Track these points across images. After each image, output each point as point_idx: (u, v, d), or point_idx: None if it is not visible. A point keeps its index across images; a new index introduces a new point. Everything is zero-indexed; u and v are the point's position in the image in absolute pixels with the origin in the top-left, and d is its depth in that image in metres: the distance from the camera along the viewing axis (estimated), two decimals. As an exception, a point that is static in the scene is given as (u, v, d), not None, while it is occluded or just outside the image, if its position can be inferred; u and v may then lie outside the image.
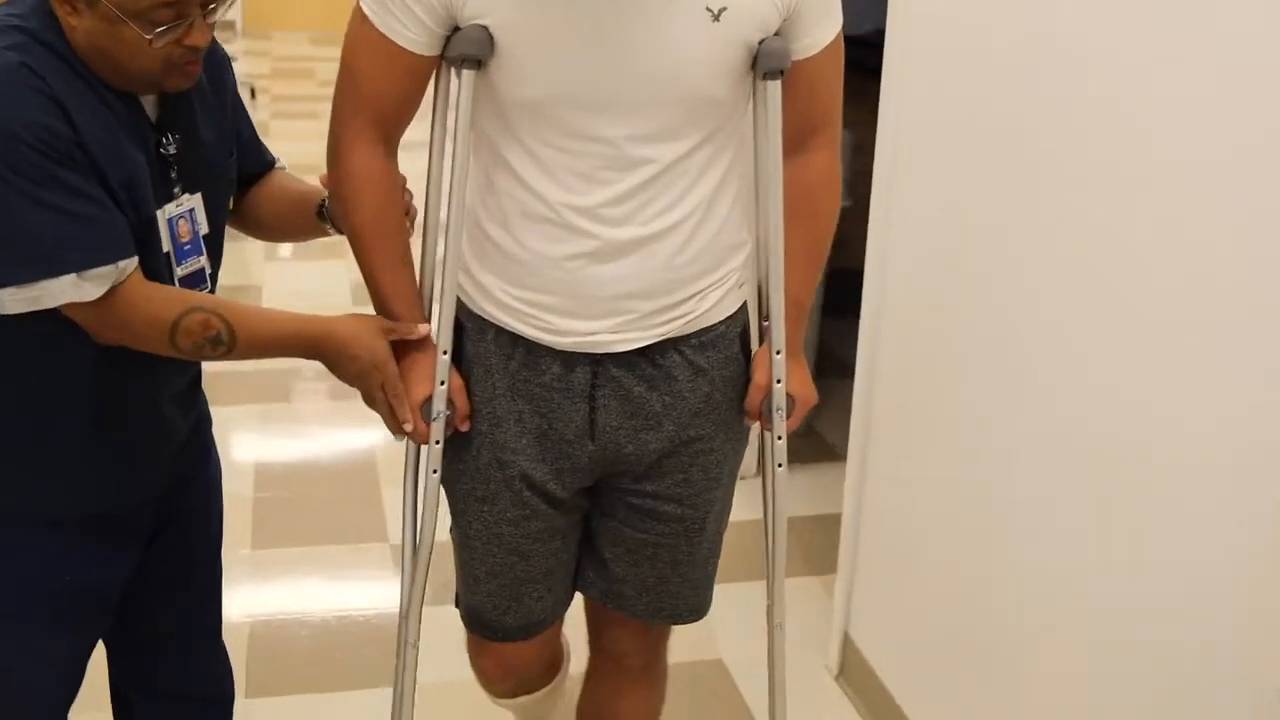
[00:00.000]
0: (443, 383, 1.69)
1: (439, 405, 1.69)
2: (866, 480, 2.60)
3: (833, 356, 3.83)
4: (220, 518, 1.91)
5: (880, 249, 2.48)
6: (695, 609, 1.88)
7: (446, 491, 1.79)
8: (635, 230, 1.61)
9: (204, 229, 1.67)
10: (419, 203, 1.73)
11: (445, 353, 1.69)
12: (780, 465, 1.81)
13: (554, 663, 1.99)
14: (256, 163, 1.84)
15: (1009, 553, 2.10)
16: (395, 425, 1.69)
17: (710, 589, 1.89)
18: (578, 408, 1.70)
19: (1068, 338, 1.92)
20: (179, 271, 1.64)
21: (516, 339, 1.68)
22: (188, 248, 1.65)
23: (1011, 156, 2.05)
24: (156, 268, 1.59)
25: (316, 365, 1.68)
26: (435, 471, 1.73)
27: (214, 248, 1.71)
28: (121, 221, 1.51)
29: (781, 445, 1.79)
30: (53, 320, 1.53)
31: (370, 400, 1.69)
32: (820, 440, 3.75)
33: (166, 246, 1.61)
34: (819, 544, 3.21)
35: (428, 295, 1.73)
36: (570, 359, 1.68)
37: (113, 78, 1.51)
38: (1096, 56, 1.83)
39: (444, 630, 2.05)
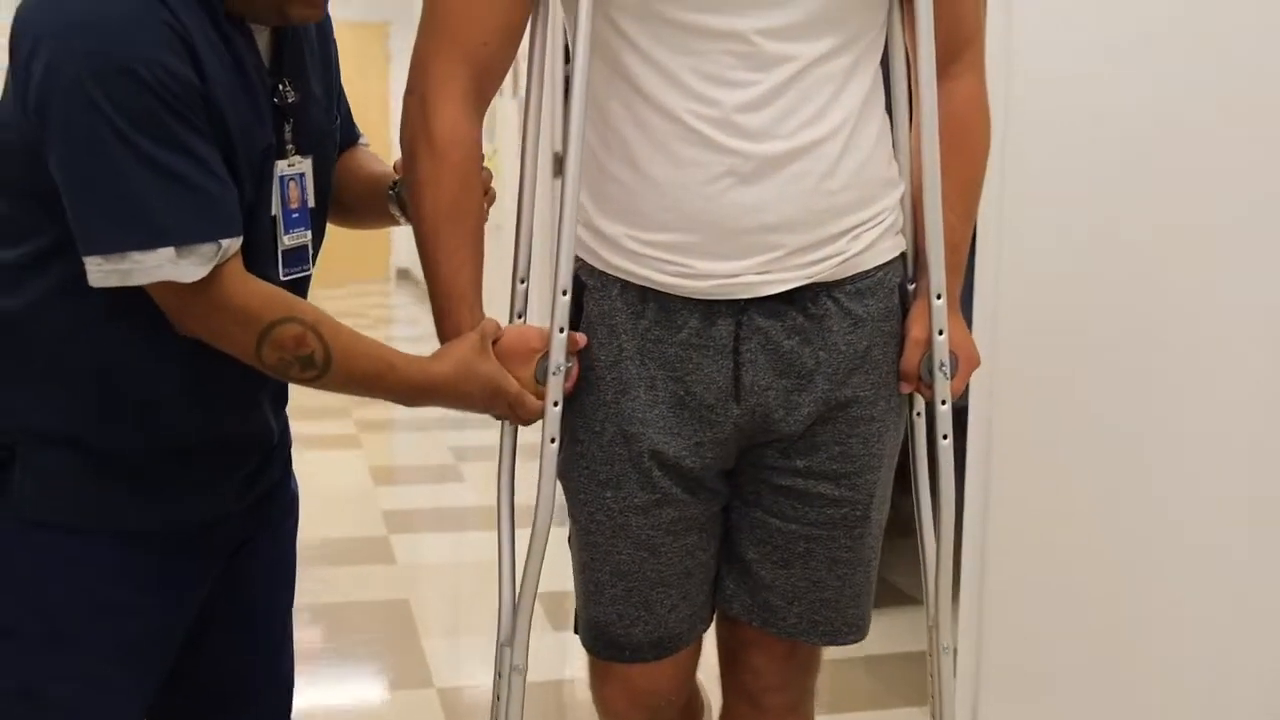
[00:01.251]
0: (562, 329, 1.48)
1: (558, 357, 1.47)
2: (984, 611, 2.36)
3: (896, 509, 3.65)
4: (294, 546, 1.67)
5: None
6: (856, 625, 1.61)
7: (562, 482, 1.57)
8: (778, 144, 1.44)
9: (311, 201, 1.49)
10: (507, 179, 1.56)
11: (565, 293, 1.48)
12: (945, 437, 1.57)
13: (691, 707, 1.71)
14: (347, 134, 1.68)
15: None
16: (537, 418, 1.52)
17: (870, 603, 1.63)
18: (720, 366, 1.50)
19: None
20: (285, 241, 1.45)
21: (647, 293, 1.50)
22: (296, 216, 1.46)
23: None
24: (260, 236, 1.41)
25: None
26: (553, 440, 1.50)
27: (317, 226, 1.52)
28: (234, 195, 1.33)
29: (945, 412, 1.56)
30: (147, 295, 1.33)
31: (505, 418, 1.56)
32: (888, 585, 3.50)
33: (275, 209, 1.43)
34: (908, 676, 2.96)
35: (523, 266, 1.57)
36: (710, 310, 1.49)
37: (236, 1, 1.35)
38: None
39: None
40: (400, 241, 10.61)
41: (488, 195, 1.57)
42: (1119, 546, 2.06)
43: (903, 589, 3.49)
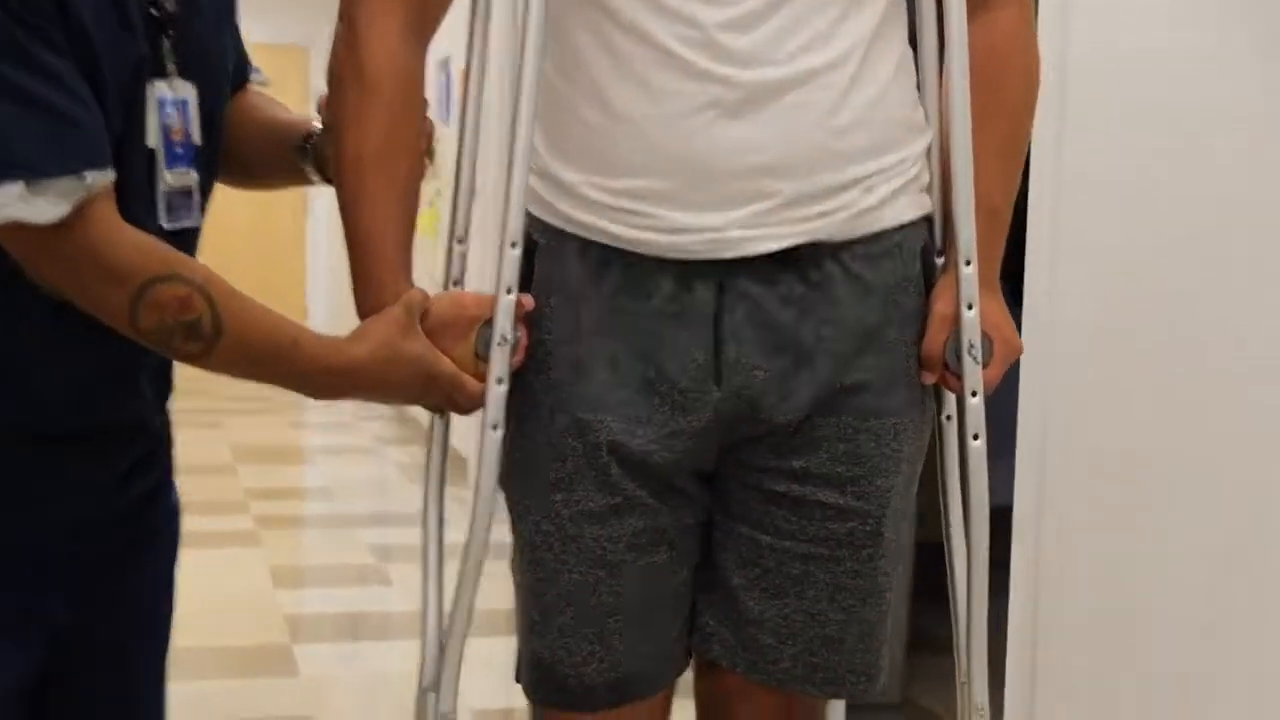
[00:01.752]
0: (510, 290, 1.43)
1: (504, 323, 1.43)
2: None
3: (927, 635, 3.62)
4: (173, 569, 1.61)
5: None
6: (865, 672, 1.55)
7: (503, 486, 1.52)
8: (772, 71, 1.42)
9: (197, 138, 1.45)
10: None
11: (514, 245, 1.45)
12: (976, 437, 1.52)
13: None
14: (240, 70, 1.64)
15: None
16: (478, 405, 1.49)
17: (885, 645, 1.57)
18: (698, 340, 1.46)
19: None
20: (166, 180, 1.41)
21: (611, 253, 1.47)
22: (179, 152, 1.42)
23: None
24: (134, 175, 1.37)
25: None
26: (495, 427, 1.45)
27: (205, 173, 1.48)
28: (99, 122, 1.30)
29: (976, 406, 1.51)
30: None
31: (441, 409, 1.54)
32: (917, 708, 3.45)
33: (154, 141, 1.39)
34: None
35: (461, 223, 1.55)
36: (688, 273, 1.45)
37: None
38: None
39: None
40: (318, 311, 10.53)
41: (428, 153, 1.55)
42: (1196, 580, 2.04)
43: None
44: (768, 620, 1.52)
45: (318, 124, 1.59)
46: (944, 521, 1.59)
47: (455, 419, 1.54)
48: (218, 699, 3.48)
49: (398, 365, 1.44)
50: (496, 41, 1.56)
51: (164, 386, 1.54)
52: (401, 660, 3.83)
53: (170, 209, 1.42)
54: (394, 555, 4.87)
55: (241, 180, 1.68)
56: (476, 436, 1.46)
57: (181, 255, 1.36)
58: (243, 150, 1.62)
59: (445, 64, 6.05)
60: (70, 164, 1.25)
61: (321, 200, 9.40)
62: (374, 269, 1.47)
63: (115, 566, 1.51)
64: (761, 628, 1.52)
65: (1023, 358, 2.42)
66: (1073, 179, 2.33)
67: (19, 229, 1.25)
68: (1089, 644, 2.30)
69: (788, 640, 1.52)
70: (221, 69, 1.52)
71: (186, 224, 1.43)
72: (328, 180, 1.59)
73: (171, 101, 1.40)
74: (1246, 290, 1.99)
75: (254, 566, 4.71)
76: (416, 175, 1.51)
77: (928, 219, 1.54)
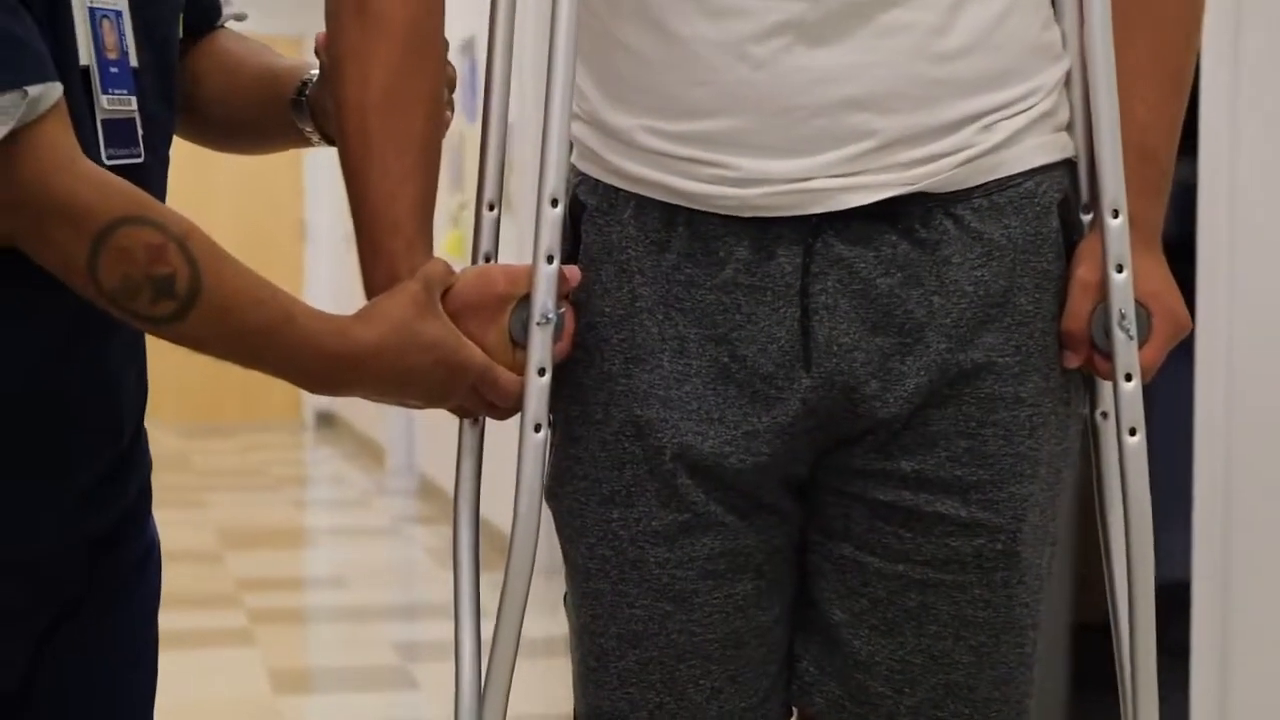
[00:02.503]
0: (550, 258, 1.50)
1: (544, 299, 1.49)
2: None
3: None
4: (155, 613, 1.68)
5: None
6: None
7: (550, 503, 1.59)
8: None
9: (134, 59, 1.52)
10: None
11: (555, 204, 1.51)
12: (1133, 433, 1.56)
13: None
14: (198, 4, 1.70)
15: None
16: (517, 408, 1.55)
17: (1032, 695, 1.61)
18: (781, 316, 1.51)
19: None
20: (104, 105, 1.47)
21: (674, 213, 1.53)
22: (115, 73, 1.49)
23: None
24: (68, 99, 1.41)
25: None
26: (538, 429, 1.52)
27: (163, 104, 1.55)
28: (35, 32, 1.37)
29: (1132, 392, 1.55)
30: None
31: (470, 413, 1.59)
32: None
33: (86, 58, 1.45)
34: None
35: (491, 187, 1.59)
36: (766, 234, 1.51)
37: None
38: None
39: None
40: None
41: (448, 102, 1.61)
42: None
43: None
44: (879, 664, 1.56)
45: (315, 71, 1.66)
46: (1104, 546, 1.62)
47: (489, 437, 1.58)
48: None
49: (414, 353, 1.48)
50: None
51: (138, 359, 1.58)
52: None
53: (110, 140, 1.47)
54: (423, 654, 4.95)
55: (226, 140, 1.76)
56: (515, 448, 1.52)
57: (152, 199, 1.42)
58: (227, 104, 1.70)
59: (469, 46, 5.88)
60: (8, 77, 1.32)
61: (322, 170, 9.60)
62: (383, 238, 1.53)
63: (74, 622, 1.56)
64: (872, 673, 1.56)
65: (1198, 372, 2.49)
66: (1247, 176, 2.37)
67: None
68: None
69: (905, 689, 1.56)
70: None
71: (129, 159, 1.49)
72: (329, 139, 1.66)
73: (102, 12, 1.47)
74: None
75: (249, 669, 4.81)
76: (435, 128, 1.57)
77: (1068, 164, 1.58)
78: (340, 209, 6.35)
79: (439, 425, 6.71)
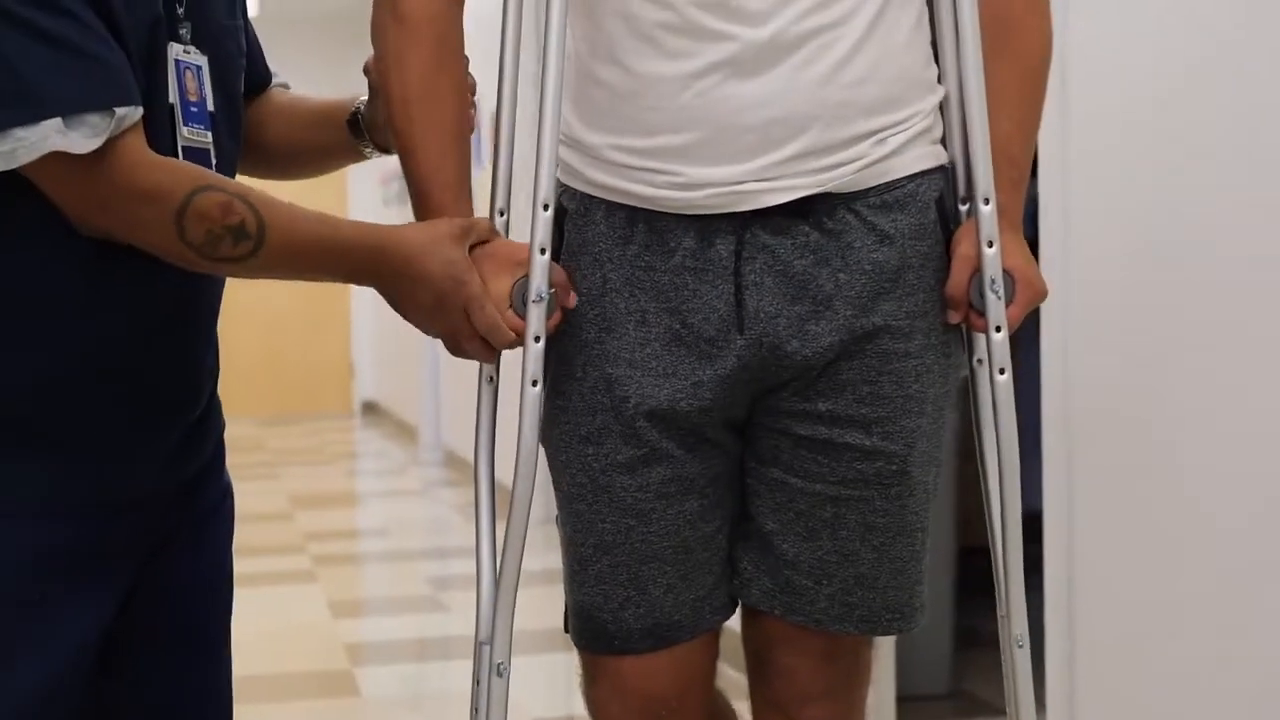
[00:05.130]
0: (543, 250, 1.51)
1: (539, 282, 1.50)
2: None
3: (976, 632, 3.65)
4: (229, 547, 1.67)
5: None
6: (900, 610, 1.60)
7: (544, 445, 1.58)
8: (783, 26, 1.48)
9: (210, 104, 1.54)
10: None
11: (547, 208, 1.52)
12: (1003, 372, 1.56)
13: None
14: (258, 73, 1.73)
15: None
16: (491, 353, 1.53)
17: (922, 583, 1.62)
18: (719, 291, 1.53)
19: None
20: (184, 135, 1.49)
21: (635, 214, 1.54)
22: (195, 110, 1.51)
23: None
24: (156, 129, 1.45)
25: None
26: (535, 384, 1.52)
27: (230, 138, 1.56)
28: (122, 58, 1.38)
29: (1001, 341, 1.56)
30: (35, 202, 1.38)
31: (454, 336, 1.53)
32: (970, 697, 3.48)
33: (173, 96, 1.47)
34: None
35: (502, 196, 1.60)
36: (707, 228, 1.52)
37: None
38: None
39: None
40: (365, 371, 10.70)
41: (471, 103, 1.62)
42: (1235, 567, 2.06)
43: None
44: (802, 562, 1.57)
45: (364, 96, 1.67)
46: (980, 468, 1.62)
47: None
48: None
49: (431, 260, 1.48)
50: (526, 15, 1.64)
51: (210, 340, 1.58)
52: (462, 680, 3.89)
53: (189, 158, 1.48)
54: (451, 584, 4.94)
55: (286, 169, 1.76)
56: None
57: (209, 170, 1.45)
58: (289, 138, 1.72)
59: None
60: (102, 99, 1.34)
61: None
62: (435, 193, 1.54)
63: (166, 550, 1.55)
64: (797, 569, 1.57)
65: (1044, 346, 2.49)
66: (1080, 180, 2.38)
67: (62, 170, 1.34)
68: (1127, 641, 2.33)
69: (823, 580, 1.57)
70: (233, 45, 1.59)
71: None
72: (380, 148, 1.68)
73: (186, 65, 1.49)
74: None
75: (313, 600, 4.79)
76: (464, 121, 1.58)
77: (943, 170, 1.59)
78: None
79: (460, 410, 6.74)
